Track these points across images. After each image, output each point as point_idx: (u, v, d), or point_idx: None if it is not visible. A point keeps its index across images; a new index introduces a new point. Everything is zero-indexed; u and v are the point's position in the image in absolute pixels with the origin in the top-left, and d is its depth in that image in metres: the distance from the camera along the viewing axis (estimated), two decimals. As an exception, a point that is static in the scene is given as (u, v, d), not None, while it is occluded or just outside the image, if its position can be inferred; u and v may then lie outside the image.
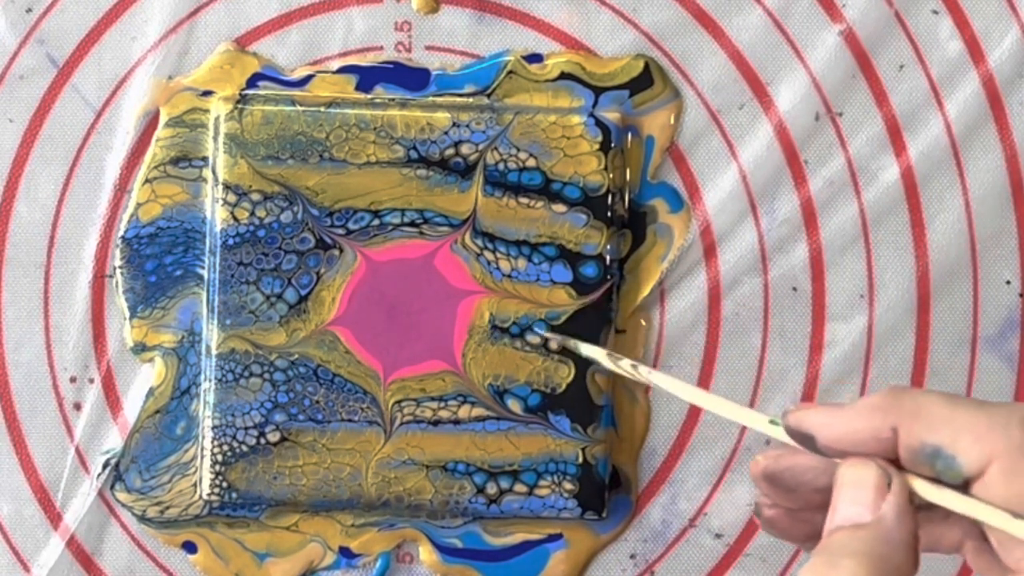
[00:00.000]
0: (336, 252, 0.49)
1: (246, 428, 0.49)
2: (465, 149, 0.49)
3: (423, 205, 0.49)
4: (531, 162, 0.49)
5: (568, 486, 0.49)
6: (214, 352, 0.49)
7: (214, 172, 0.49)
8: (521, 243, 0.49)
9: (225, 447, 0.49)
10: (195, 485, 0.50)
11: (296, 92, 0.50)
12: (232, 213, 0.49)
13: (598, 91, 0.50)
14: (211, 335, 0.49)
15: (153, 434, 0.50)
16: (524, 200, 0.49)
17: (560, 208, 0.49)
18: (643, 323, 0.50)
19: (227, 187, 0.49)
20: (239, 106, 0.49)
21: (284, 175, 0.49)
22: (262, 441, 0.49)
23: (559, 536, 0.50)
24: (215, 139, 0.49)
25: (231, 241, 0.49)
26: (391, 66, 0.50)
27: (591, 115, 0.49)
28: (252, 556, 0.50)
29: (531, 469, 0.49)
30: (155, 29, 0.50)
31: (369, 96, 0.50)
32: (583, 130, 0.49)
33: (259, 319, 0.49)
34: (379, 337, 0.49)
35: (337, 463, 0.49)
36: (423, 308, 0.49)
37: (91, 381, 0.50)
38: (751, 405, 0.50)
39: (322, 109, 0.49)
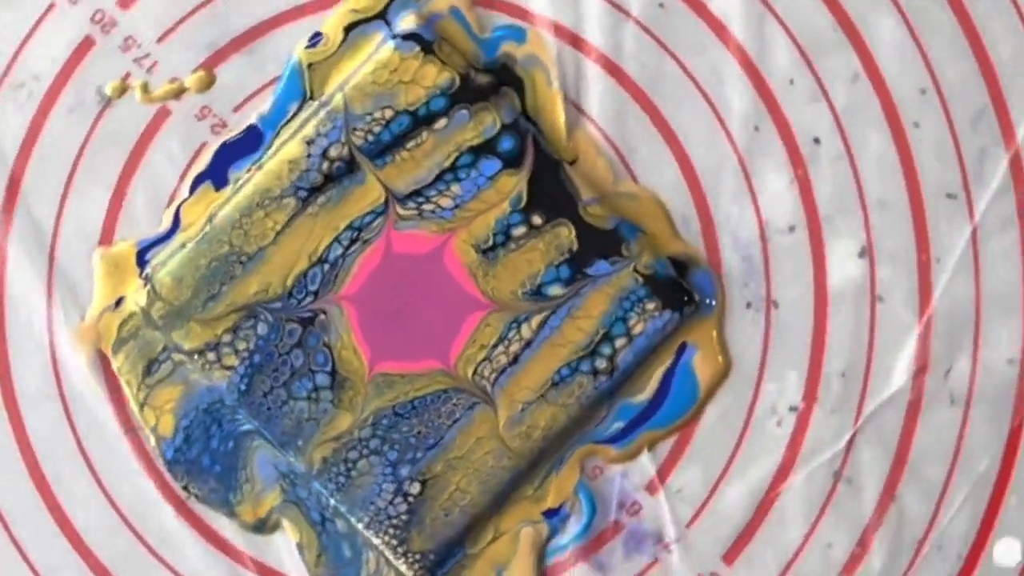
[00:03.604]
0: (321, 316, 0.49)
1: (389, 503, 0.49)
2: (333, 152, 0.49)
3: (346, 220, 0.49)
4: (388, 112, 0.49)
5: (651, 306, 0.49)
6: (313, 475, 0.49)
7: (179, 350, 0.49)
8: (440, 176, 0.49)
9: (390, 531, 0.49)
10: (400, 578, 0.50)
11: (178, 236, 0.50)
12: (222, 366, 0.49)
13: (382, 15, 0.50)
14: (298, 465, 0.49)
15: (333, 573, 0.50)
16: (411, 144, 0.49)
17: (441, 123, 0.49)
18: (590, 140, 0.50)
19: (199, 353, 0.49)
20: (148, 287, 0.49)
21: (229, 303, 0.49)
22: (409, 499, 0.49)
23: (683, 347, 0.50)
24: (157, 328, 0.49)
25: (242, 386, 0.49)
26: (224, 148, 0.50)
27: (393, 37, 0.49)
28: (489, 584, 0.50)
29: (614, 322, 0.49)
30: None
31: (232, 185, 0.50)
32: (399, 54, 0.49)
33: (319, 418, 0.49)
34: (398, 340, 0.49)
35: (478, 460, 0.49)
36: (429, 304, 0.49)
37: (252, 582, 0.51)
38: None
39: (207, 229, 0.49)
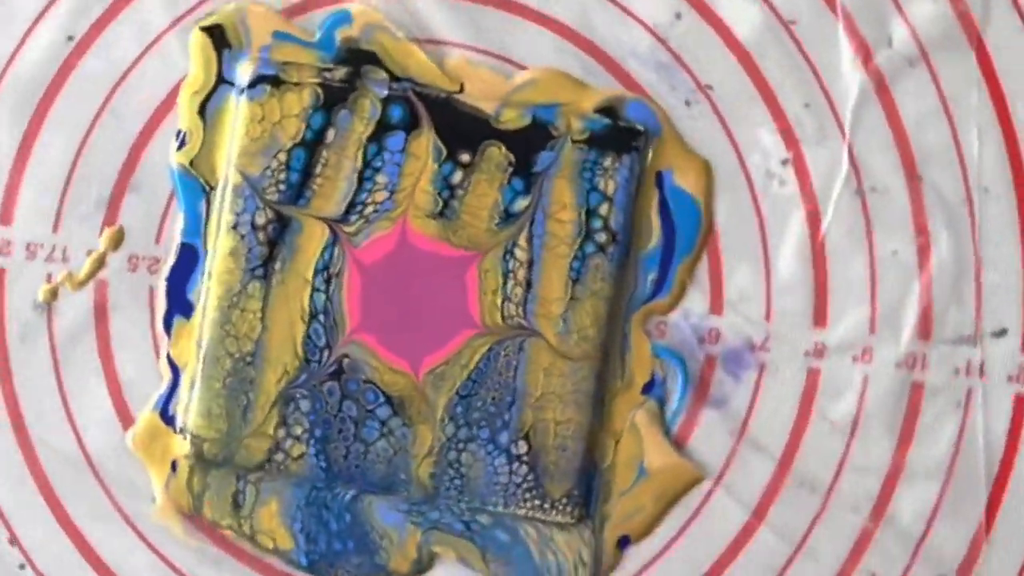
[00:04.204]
0: (347, 361, 0.49)
1: (509, 474, 0.49)
2: (260, 220, 0.49)
3: (310, 269, 0.49)
4: (281, 156, 0.49)
5: (608, 162, 0.49)
6: (432, 495, 0.49)
7: (250, 470, 0.49)
8: (360, 178, 0.49)
9: (527, 496, 0.49)
10: (574, 534, 0.50)
11: (183, 378, 0.50)
12: (294, 459, 0.49)
13: (221, 80, 0.50)
14: (414, 495, 0.49)
15: (506, 564, 0.50)
16: (318, 169, 0.49)
17: (330, 135, 0.49)
18: (462, 61, 0.50)
19: (268, 462, 0.49)
20: (188, 439, 0.49)
21: (263, 403, 0.49)
22: (524, 460, 0.49)
23: (660, 176, 0.50)
24: (218, 465, 0.49)
25: (323, 464, 0.49)
26: (171, 280, 0.50)
27: (242, 91, 0.49)
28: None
29: (587, 195, 0.49)
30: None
31: (198, 306, 0.50)
32: (257, 103, 0.49)
33: (403, 446, 0.49)
34: (422, 335, 0.49)
35: (557, 387, 0.49)
36: (426, 288, 0.49)
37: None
38: None
39: (202, 357, 0.49)
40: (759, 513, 0.51)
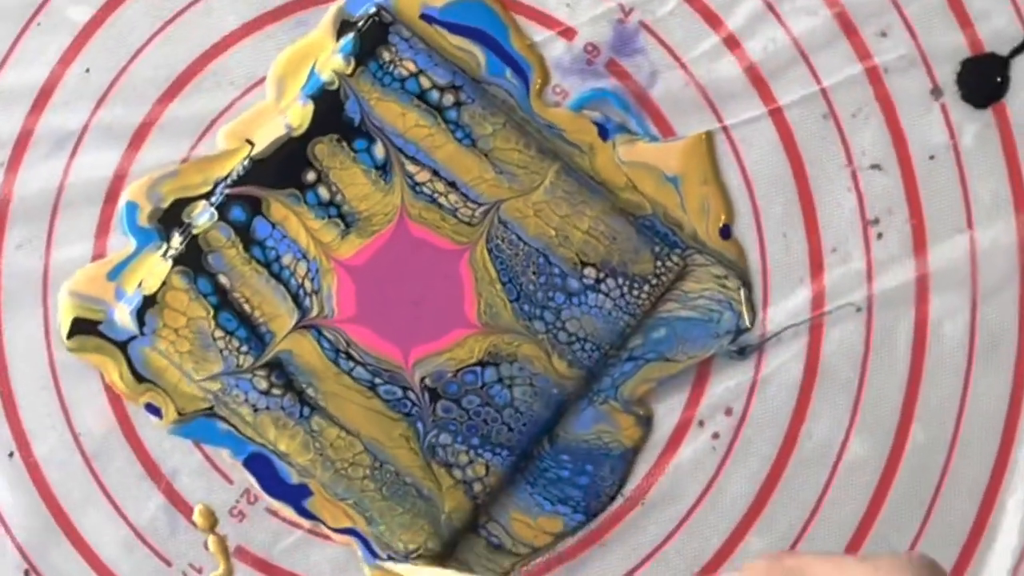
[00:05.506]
0: (427, 382, 0.49)
1: (606, 295, 0.49)
2: (262, 384, 0.49)
3: (335, 371, 0.49)
4: (218, 333, 0.49)
5: (388, 56, 0.49)
6: (588, 376, 0.50)
7: (495, 529, 0.50)
8: (275, 277, 0.49)
9: (637, 292, 0.50)
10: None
11: (367, 533, 0.50)
12: (484, 475, 0.49)
13: (122, 348, 0.50)
14: (577, 387, 0.50)
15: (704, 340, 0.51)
16: (246, 310, 0.49)
17: (224, 281, 0.49)
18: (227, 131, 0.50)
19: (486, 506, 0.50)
20: (419, 560, 0.50)
21: (445, 484, 0.50)
22: (603, 279, 0.50)
23: (426, 16, 0.50)
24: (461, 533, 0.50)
25: (505, 453, 0.49)
26: (270, 489, 0.50)
27: (142, 336, 0.49)
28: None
29: (406, 92, 0.49)
30: None
31: (309, 486, 0.50)
32: (160, 330, 0.49)
33: (532, 375, 0.49)
34: (446, 304, 0.50)
35: (562, 208, 0.49)
36: (409, 279, 0.49)
37: None
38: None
39: (352, 503, 0.49)
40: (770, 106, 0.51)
